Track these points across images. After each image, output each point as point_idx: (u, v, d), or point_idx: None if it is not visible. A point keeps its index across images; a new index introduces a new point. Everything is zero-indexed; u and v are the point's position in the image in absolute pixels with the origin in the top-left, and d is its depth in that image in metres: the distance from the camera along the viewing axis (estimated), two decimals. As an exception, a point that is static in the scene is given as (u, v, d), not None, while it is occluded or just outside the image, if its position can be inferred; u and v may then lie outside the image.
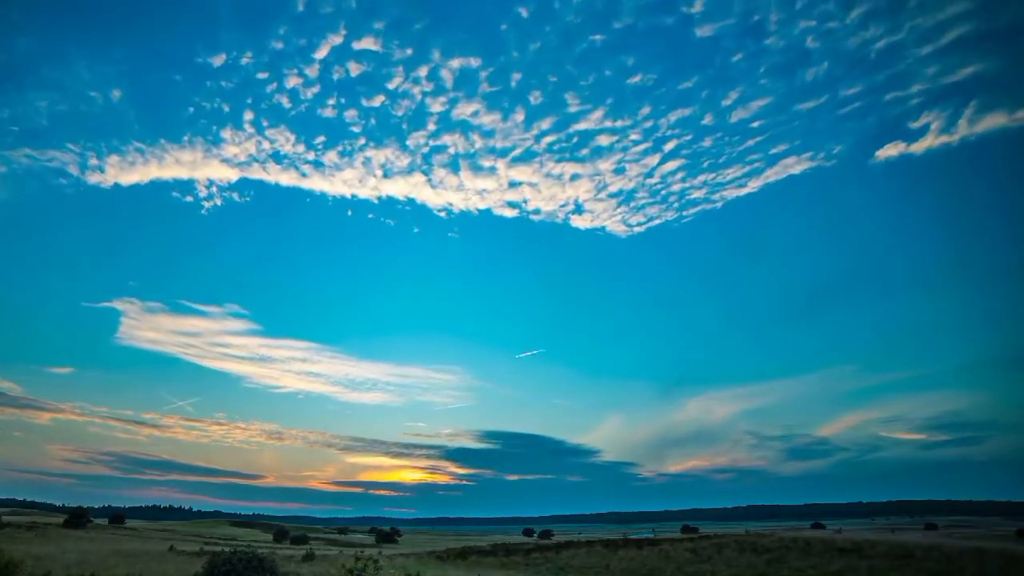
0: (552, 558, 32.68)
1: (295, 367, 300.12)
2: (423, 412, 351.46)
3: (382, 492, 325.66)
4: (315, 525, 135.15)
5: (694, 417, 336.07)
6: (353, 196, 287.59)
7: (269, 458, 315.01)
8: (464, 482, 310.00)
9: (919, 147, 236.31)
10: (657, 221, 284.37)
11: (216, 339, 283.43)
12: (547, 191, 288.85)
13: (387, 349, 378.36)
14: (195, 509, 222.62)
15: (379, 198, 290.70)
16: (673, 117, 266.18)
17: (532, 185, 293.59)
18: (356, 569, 13.85)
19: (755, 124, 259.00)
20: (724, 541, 33.72)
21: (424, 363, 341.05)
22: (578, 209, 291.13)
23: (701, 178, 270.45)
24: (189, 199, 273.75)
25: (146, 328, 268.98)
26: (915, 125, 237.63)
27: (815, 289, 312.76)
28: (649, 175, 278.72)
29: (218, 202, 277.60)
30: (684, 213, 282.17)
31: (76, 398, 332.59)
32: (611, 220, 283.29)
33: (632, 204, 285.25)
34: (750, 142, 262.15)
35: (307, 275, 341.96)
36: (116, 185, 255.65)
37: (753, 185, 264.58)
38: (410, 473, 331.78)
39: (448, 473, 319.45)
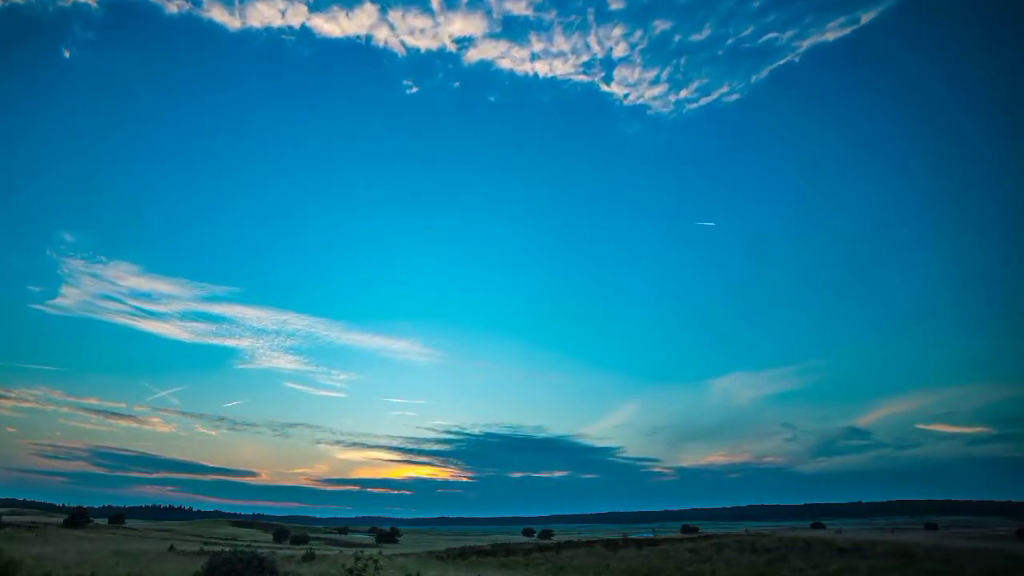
0: (552, 558, 32.68)
1: (269, 342, 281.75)
2: (414, 400, 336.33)
3: (378, 490, 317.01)
4: (315, 525, 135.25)
5: (719, 404, 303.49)
6: (271, 33, 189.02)
7: (257, 453, 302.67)
8: (463, 479, 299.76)
9: None
10: (716, 94, 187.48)
11: (176, 307, 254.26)
12: (563, 37, 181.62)
13: (355, 311, 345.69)
14: (194, 508, 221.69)
15: (310, 38, 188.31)
16: None
17: (541, 31, 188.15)
18: (356, 569, 13.84)
19: None
20: (724, 541, 33.73)
21: (409, 335, 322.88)
22: (608, 72, 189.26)
23: (793, 6, 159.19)
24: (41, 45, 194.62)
25: (87, 290, 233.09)
26: None
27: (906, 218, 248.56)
28: (712, 6, 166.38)
29: (85, 51, 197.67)
30: (753, 77, 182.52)
31: (37, 384, 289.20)
32: (652, 91, 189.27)
33: (682, 60, 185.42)
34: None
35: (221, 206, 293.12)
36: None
37: (867, 16, 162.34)
38: (406, 470, 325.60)
39: (448, 468, 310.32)
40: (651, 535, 52.69)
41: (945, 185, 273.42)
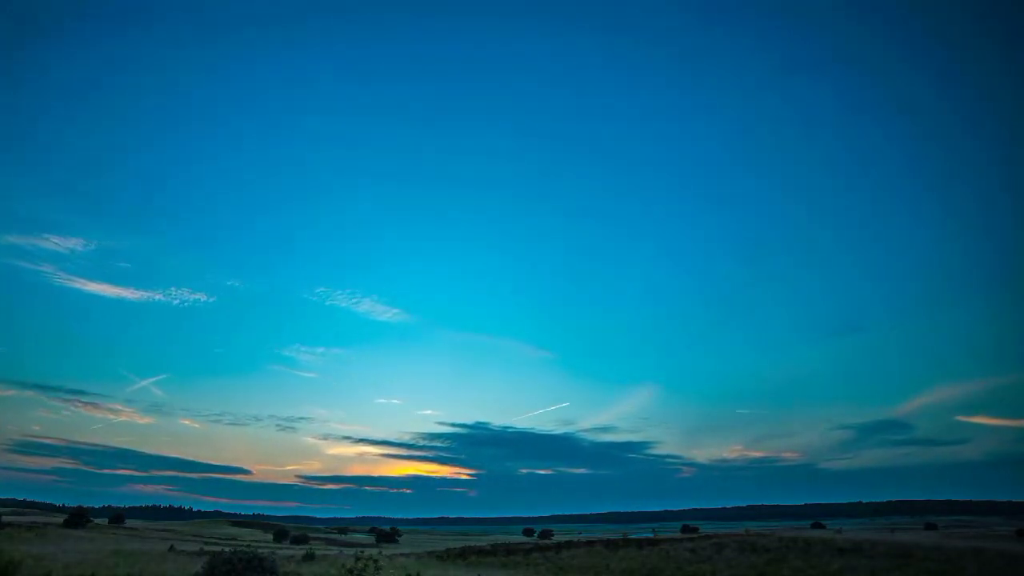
0: (552, 558, 32.68)
1: (238, 311, 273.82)
2: (403, 386, 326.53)
3: (376, 488, 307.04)
4: (314, 525, 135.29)
5: (743, 392, 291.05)
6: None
7: (244, 448, 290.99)
8: (463, 476, 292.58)
9: None
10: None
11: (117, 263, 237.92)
12: None
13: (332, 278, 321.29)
14: (192, 508, 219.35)
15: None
16: None
17: None
18: (356, 569, 13.83)
19: None
20: (724, 541, 33.74)
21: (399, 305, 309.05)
22: None
23: None
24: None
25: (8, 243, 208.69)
26: None
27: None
28: None
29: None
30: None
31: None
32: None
33: None
34: None
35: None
36: None
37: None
38: (406, 468, 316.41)
39: (448, 466, 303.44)
40: (651, 535, 52.68)
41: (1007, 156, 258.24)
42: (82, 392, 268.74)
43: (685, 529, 71.63)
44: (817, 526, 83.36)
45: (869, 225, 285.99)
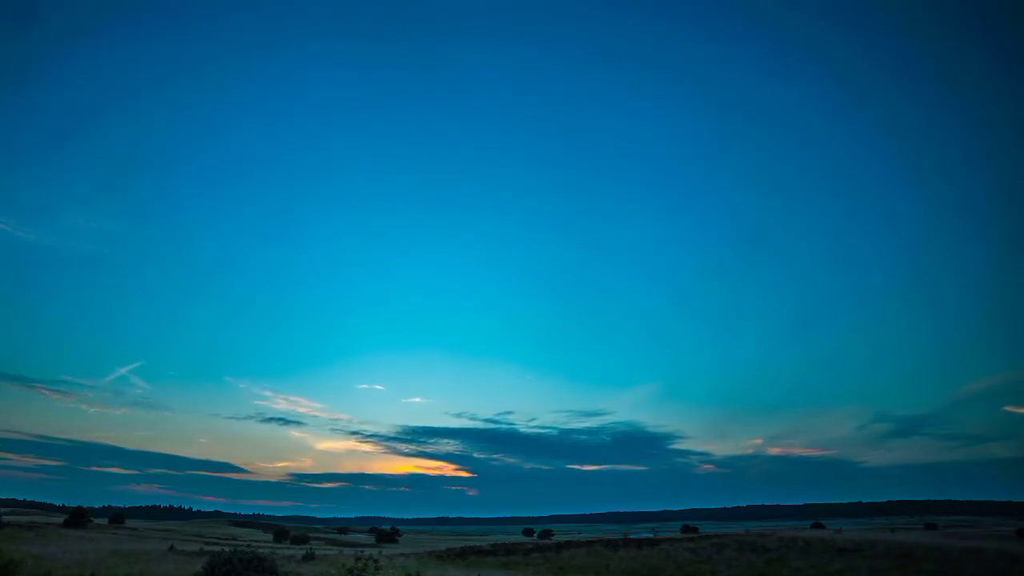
0: (552, 558, 32.68)
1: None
2: (392, 378, 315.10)
3: (375, 487, 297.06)
4: (314, 525, 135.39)
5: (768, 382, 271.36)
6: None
7: (234, 444, 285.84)
8: (463, 474, 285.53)
9: None
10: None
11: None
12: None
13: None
14: (195, 508, 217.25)
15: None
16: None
17: None
18: (356, 569, 13.86)
19: None
20: (724, 541, 33.73)
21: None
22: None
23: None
24: None
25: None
26: None
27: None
28: None
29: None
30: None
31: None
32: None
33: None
34: None
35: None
36: None
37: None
38: (406, 466, 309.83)
39: (447, 461, 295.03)
40: (651, 535, 52.69)
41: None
42: (49, 381, 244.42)
43: (685, 529, 71.70)
44: (817, 526, 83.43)
45: (902, 205, 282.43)
